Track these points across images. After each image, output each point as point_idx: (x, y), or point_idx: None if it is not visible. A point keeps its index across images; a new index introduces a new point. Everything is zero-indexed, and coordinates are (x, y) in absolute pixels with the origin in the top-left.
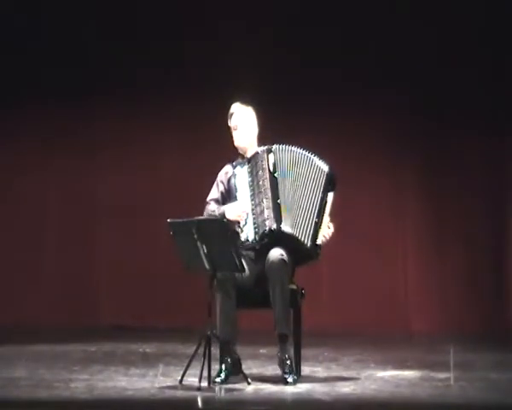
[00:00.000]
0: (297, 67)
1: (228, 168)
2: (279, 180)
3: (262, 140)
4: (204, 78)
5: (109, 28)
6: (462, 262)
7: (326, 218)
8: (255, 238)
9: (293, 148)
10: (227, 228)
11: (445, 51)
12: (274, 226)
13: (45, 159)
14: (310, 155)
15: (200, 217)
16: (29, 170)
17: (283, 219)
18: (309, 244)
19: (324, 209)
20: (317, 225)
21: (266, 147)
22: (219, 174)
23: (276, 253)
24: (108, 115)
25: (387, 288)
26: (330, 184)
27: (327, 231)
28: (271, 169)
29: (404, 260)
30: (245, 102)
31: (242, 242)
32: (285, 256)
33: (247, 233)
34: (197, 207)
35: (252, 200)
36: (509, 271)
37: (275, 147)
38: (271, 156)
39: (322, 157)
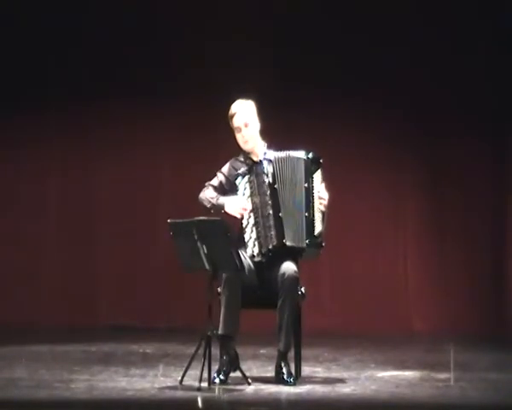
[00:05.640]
0: (297, 72)
1: (232, 163)
2: (279, 192)
3: (263, 136)
4: (204, 78)
5: (109, 28)
6: (462, 262)
7: (317, 200)
8: (260, 254)
9: (288, 153)
10: (227, 228)
11: (445, 53)
12: (276, 243)
13: (45, 159)
14: (297, 153)
15: (201, 217)
16: (29, 170)
17: (286, 232)
18: (306, 244)
19: (313, 196)
20: (309, 219)
21: (264, 157)
22: (224, 166)
23: (291, 268)
24: (109, 115)
25: (388, 288)
26: (312, 165)
27: (321, 203)
28: (271, 181)
29: (405, 261)
30: (245, 97)
31: (249, 256)
32: (298, 273)
33: (252, 249)
34: (198, 208)
35: (254, 214)
36: (509, 271)
37: (274, 157)
38: (270, 167)
39: (319, 153)
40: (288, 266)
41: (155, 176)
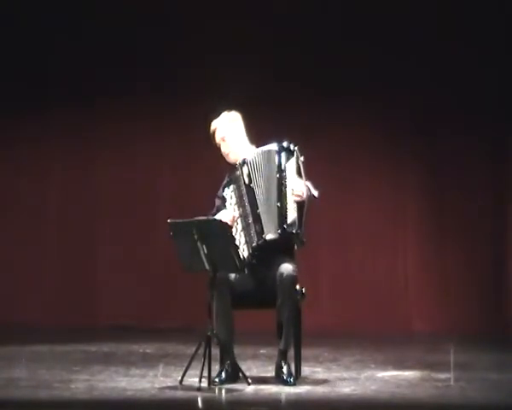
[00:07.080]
0: (297, 72)
1: (225, 180)
2: (255, 189)
3: (256, 141)
4: (204, 78)
5: (109, 28)
6: (463, 262)
7: (289, 188)
8: (250, 255)
9: (261, 148)
10: (227, 228)
11: (445, 53)
12: (257, 240)
13: (45, 159)
14: (270, 145)
15: (200, 217)
16: (29, 170)
17: (265, 227)
18: (278, 234)
19: (285, 186)
20: (280, 209)
21: (241, 160)
22: (220, 189)
23: (289, 268)
24: (109, 115)
25: (388, 288)
26: (284, 155)
27: (296, 192)
28: (247, 181)
29: (405, 261)
30: (228, 108)
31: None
32: (296, 272)
33: (243, 253)
34: (198, 208)
35: (240, 219)
36: (509, 270)
37: (247, 158)
38: (245, 168)
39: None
40: (287, 267)
41: (155, 176)
